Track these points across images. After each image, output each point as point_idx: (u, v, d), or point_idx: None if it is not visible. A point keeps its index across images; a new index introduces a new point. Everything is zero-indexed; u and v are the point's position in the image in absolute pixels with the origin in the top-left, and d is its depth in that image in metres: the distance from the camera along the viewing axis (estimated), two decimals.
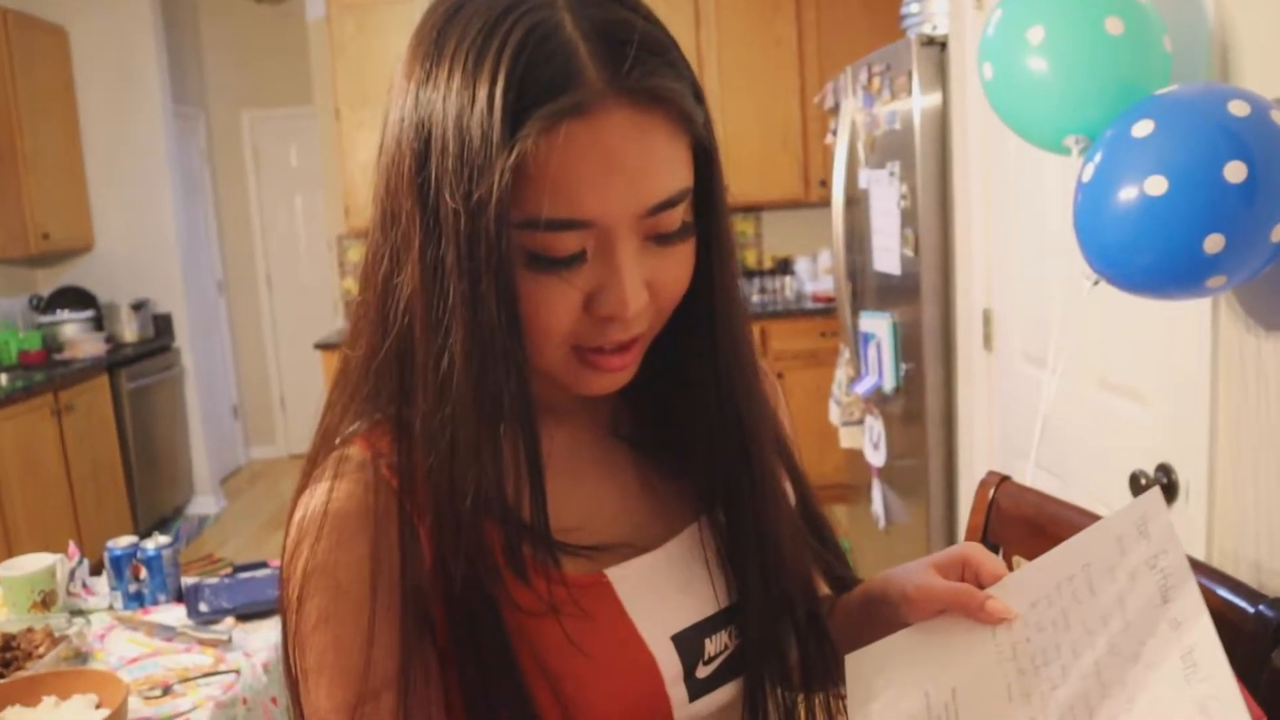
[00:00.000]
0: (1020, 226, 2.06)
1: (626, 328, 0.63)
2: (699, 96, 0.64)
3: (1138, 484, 1.56)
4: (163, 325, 5.07)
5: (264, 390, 6.44)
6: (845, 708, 0.76)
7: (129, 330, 4.84)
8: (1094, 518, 1.09)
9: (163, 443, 4.92)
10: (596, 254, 0.61)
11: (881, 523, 3.02)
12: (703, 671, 0.71)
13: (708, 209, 0.67)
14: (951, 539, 2.61)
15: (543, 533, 0.65)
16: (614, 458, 0.77)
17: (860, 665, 0.70)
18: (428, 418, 0.63)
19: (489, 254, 0.58)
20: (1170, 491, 1.53)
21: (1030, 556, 1.15)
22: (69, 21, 4.78)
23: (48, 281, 4.91)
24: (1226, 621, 0.90)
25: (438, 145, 0.59)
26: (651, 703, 0.68)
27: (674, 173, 0.62)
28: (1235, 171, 1.09)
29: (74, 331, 4.60)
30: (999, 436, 2.32)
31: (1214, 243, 1.10)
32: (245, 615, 1.75)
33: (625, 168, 0.59)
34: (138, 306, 4.89)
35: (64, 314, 4.67)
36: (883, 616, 0.74)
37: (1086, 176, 1.21)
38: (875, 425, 3.01)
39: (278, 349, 6.40)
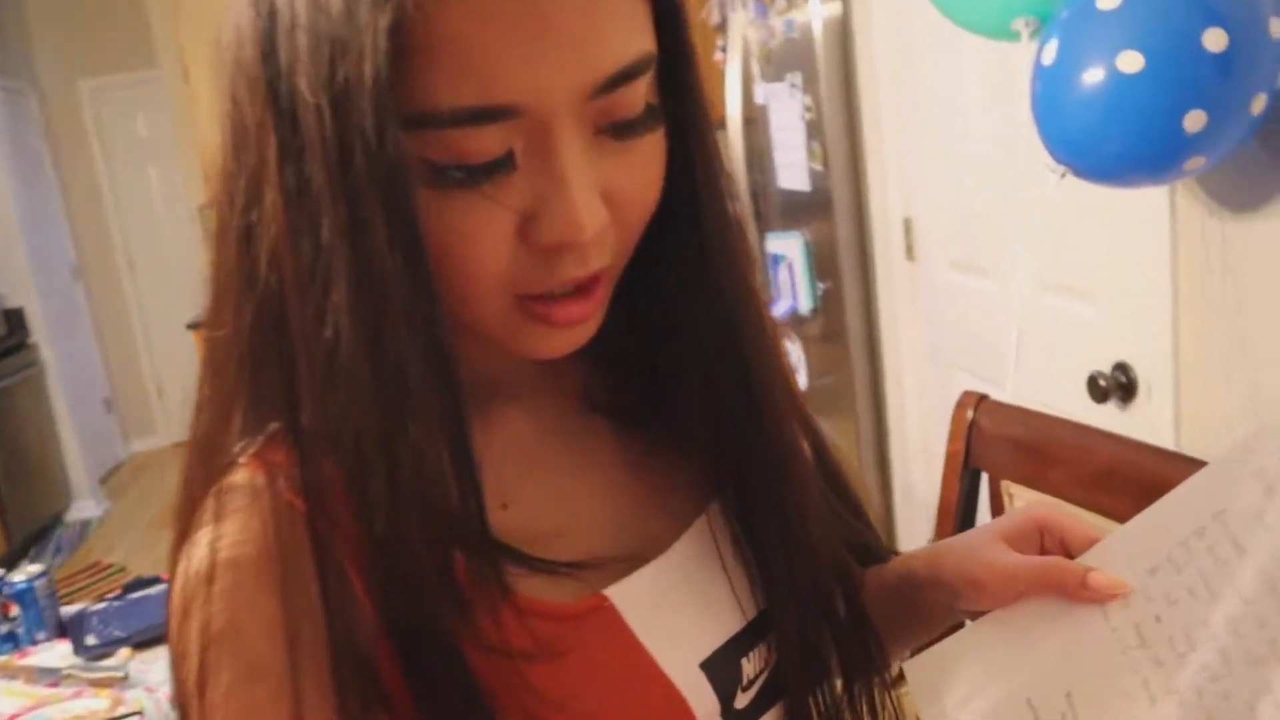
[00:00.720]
0: (939, 129, 1.95)
1: (583, 259, 0.46)
2: None
3: (1096, 386, 1.49)
4: (14, 321, 4.64)
5: (137, 379, 6.02)
6: (892, 699, 0.63)
7: None
8: (1098, 433, 0.99)
9: (30, 448, 4.54)
10: (529, 156, 0.44)
11: None
12: (742, 700, 0.57)
13: (678, 88, 0.50)
14: (883, 455, 2.55)
15: (482, 543, 0.48)
16: (591, 439, 0.60)
17: (927, 673, 0.56)
18: (321, 408, 0.45)
19: (369, 162, 0.41)
20: (1129, 391, 1.46)
21: (1026, 481, 1.04)
22: None
23: None
24: None
25: (285, 21, 0.42)
26: None
27: (629, 32, 0.44)
28: (1215, 39, 0.98)
29: None
30: (927, 347, 2.24)
31: (1195, 120, 1.00)
32: (142, 643, 1.55)
33: (559, 26, 0.42)
34: None
35: None
36: (932, 604, 0.59)
37: (1047, 59, 1.08)
38: (793, 349, 2.92)
39: (148, 333, 5.99)
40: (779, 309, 2.89)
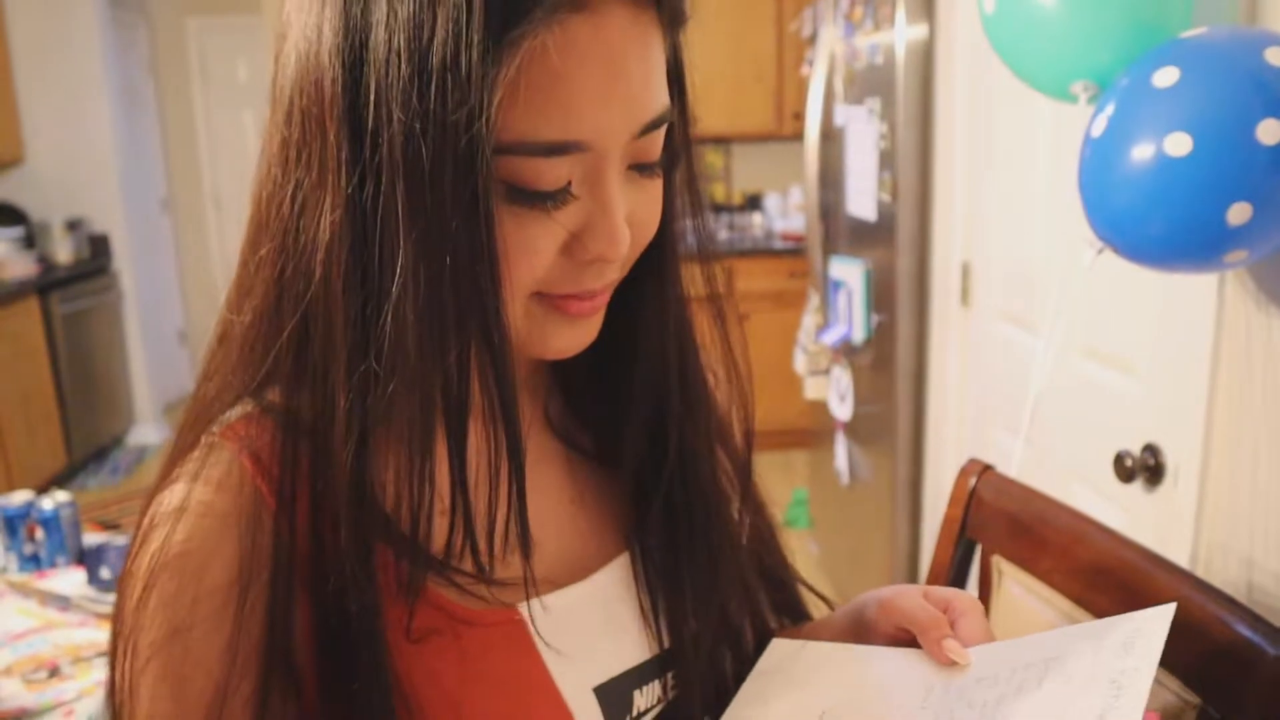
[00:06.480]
0: (1007, 177, 1.91)
1: (603, 273, 0.54)
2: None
3: (1122, 465, 1.44)
4: (100, 246, 4.81)
5: (213, 316, 6.13)
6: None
7: (62, 250, 4.58)
8: (1093, 524, 0.96)
9: (100, 370, 4.71)
10: (583, 185, 0.51)
11: (845, 479, 2.92)
12: None
13: (676, 142, 0.58)
14: (917, 500, 2.52)
15: (412, 548, 0.53)
16: (544, 462, 0.64)
17: (784, 656, 0.64)
18: (345, 401, 0.50)
19: (459, 185, 0.46)
20: (1156, 474, 1.42)
21: (1012, 558, 1.02)
22: None
23: None
24: (1242, 661, 0.78)
25: (379, 48, 0.46)
26: None
27: (662, 85, 0.52)
28: (1269, 131, 0.95)
29: (2, 251, 4.34)
30: (973, 398, 2.20)
31: (1239, 212, 0.97)
32: None
33: (627, 75, 0.49)
34: (72, 225, 4.62)
35: None
36: (860, 634, 0.65)
37: (1097, 130, 1.05)
38: (843, 377, 2.89)
39: (228, 273, 6.09)
40: (833, 335, 2.86)
